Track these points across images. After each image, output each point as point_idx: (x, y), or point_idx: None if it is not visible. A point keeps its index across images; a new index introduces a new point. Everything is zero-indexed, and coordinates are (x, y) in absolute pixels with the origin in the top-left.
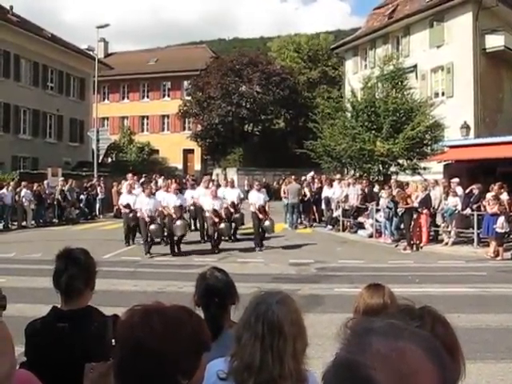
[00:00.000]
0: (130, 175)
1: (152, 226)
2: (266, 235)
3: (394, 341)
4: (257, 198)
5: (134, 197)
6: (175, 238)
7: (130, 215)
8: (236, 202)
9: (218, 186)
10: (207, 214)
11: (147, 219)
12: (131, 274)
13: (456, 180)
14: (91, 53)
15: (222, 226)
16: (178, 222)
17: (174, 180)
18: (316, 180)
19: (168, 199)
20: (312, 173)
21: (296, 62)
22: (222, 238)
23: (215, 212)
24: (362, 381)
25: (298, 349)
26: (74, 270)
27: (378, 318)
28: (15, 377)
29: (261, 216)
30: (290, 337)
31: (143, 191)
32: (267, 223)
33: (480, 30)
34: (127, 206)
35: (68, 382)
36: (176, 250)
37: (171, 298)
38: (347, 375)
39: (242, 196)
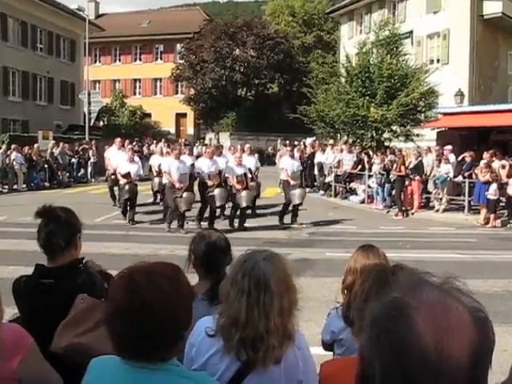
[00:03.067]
0: (117, 139)
1: (185, 194)
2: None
3: (445, 295)
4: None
5: (135, 165)
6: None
7: (126, 185)
8: (253, 170)
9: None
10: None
11: (178, 185)
12: (123, 237)
13: (449, 147)
14: (81, 13)
15: (244, 193)
16: (216, 191)
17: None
18: (309, 145)
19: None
20: (313, 138)
21: (291, 26)
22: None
23: (239, 178)
24: (401, 318)
25: (285, 305)
26: (54, 227)
27: (434, 274)
28: (4, 328)
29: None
30: (276, 293)
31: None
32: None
33: None
34: (127, 175)
35: None
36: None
37: (164, 260)
38: (390, 310)
39: (258, 164)
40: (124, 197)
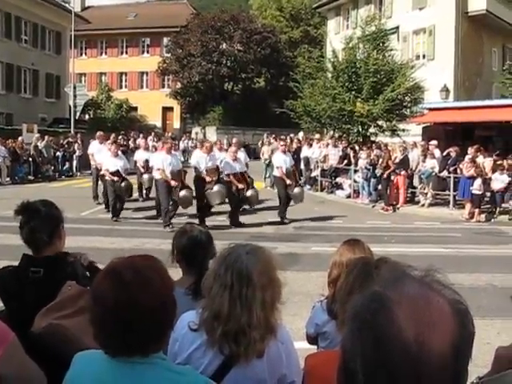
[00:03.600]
0: (99, 134)
1: (183, 192)
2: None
3: (426, 288)
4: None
5: (121, 160)
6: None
7: (121, 183)
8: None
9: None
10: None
11: (173, 183)
12: (108, 232)
13: (434, 142)
14: (67, 5)
15: (250, 192)
16: (216, 188)
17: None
18: (295, 140)
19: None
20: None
21: (278, 21)
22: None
23: (237, 176)
24: (381, 311)
25: (267, 299)
26: (35, 223)
27: (415, 267)
28: None
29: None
30: (258, 286)
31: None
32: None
33: None
34: (116, 173)
35: None
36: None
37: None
38: (372, 303)
39: (248, 159)
40: (122, 194)
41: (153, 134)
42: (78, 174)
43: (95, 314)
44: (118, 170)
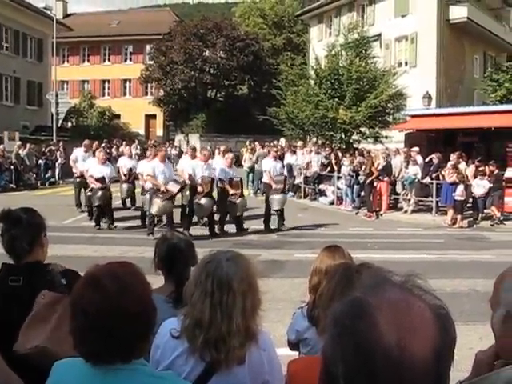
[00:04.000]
0: (85, 142)
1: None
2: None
3: (407, 294)
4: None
5: (108, 168)
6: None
7: (99, 193)
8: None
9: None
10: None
11: (163, 188)
12: (91, 240)
13: (416, 149)
14: (49, 12)
15: (239, 200)
16: (203, 201)
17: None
18: (278, 147)
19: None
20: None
21: (261, 28)
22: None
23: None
24: (362, 317)
25: (248, 306)
26: (16, 231)
27: (396, 272)
28: None
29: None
30: (239, 293)
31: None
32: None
33: (444, 1)
34: (101, 179)
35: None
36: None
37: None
38: (352, 309)
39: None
40: (95, 203)
41: (136, 141)
42: (61, 182)
43: (75, 322)
44: (103, 178)
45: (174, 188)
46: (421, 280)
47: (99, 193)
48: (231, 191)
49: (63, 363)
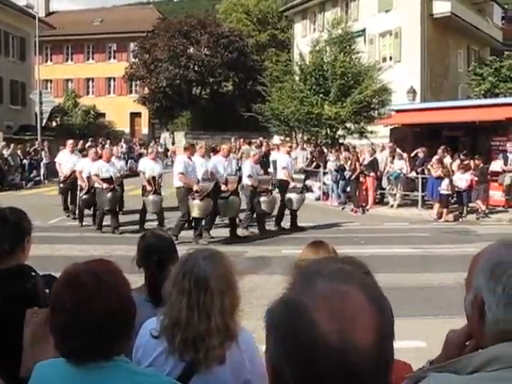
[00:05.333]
0: (69, 142)
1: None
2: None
3: (338, 284)
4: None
5: (113, 167)
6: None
7: (108, 195)
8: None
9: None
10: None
11: (196, 187)
12: (77, 239)
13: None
14: (31, 11)
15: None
16: (232, 199)
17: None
18: (264, 143)
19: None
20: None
21: (245, 25)
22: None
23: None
24: (300, 319)
25: (227, 305)
26: (1, 230)
27: (328, 262)
28: None
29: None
30: (217, 292)
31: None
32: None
33: None
34: (109, 180)
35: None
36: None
37: (118, 261)
38: (288, 313)
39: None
40: (105, 207)
41: (123, 140)
42: (46, 181)
43: (55, 321)
44: (110, 177)
45: (207, 185)
46: (353, 265)
47: (108, 195)
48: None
49: (44, 364)
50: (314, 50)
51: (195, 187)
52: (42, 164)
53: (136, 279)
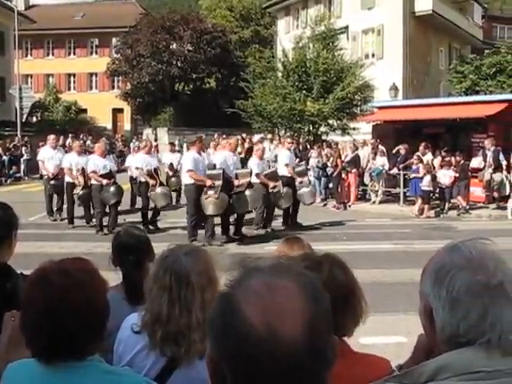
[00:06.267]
0: (51, 137)
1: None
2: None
3: (270, 278)
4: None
5: (111, 161)
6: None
7: (112, 188)
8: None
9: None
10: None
11: (210, 182)
12: (58, 236)
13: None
14: (9, 3)
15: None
16: (248, 192)
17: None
18: (247, 140)
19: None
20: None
21: (228, 21)
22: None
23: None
24: (231, 312)
25: (208, 300)
26: None
27: (271, 258)
28: None
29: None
30: (197, 288)
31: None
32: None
33: None
34: (108, 175)
35: None
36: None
37: (99, 259)
38: (221, 307)
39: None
40: (110, 201)
41: (104, 138)
42: (26, 178)
43: (26, 319)
44: (110, 172)
45: (217, 174)
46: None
47: (112, 188)
48: (271, 184)
49: (15, 364)
50: (297, 47)
51: (208, 182)
52: (22, 160)
53: (118, 276)
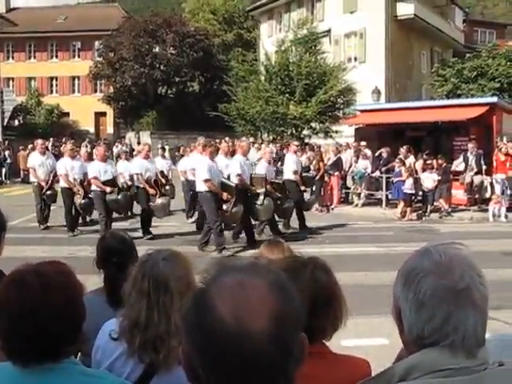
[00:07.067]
0: (39, 142)
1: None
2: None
3: (244, 276)
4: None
5: (110, 166)
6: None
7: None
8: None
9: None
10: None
11: (152, 191)
12: (39, 241)
13: (362, 143)
14: None
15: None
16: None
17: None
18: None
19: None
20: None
21: (211, 24)
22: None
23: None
24: (203, 307)
25: None
26: None
27: (247, 259)
28: None
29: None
30: (176, 293)
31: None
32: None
33: None
34: (111, 182)
35: None
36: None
37: (83, 262)
38: (195, 302)
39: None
40: (118, 212)
41: (87, 140)
42: (8, 181)
43: (2, 322)
44: (113, 179)
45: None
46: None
47: (119, 197)
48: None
49: None
50: (280, 50)
51: (224, 196)
52: (4, 164)
53: (101, 280)
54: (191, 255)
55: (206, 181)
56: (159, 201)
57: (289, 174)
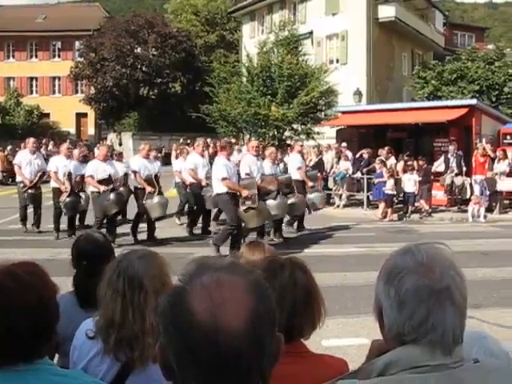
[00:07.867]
0: (30, 140)
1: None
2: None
3: (220, 274)
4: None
5: (112, 166)
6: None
7: (111, 196)
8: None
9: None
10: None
11: (149, 189)
12: (20, 243)
13: (344, 144)
14: None
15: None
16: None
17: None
18: (211, 145)
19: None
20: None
21: (193, 25)
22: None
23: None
24: (180, 303)
25: None
26: None
27: (226, 258)
28: None
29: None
30: (151, 292)
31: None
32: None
33: (373, 0)
34: (107, 180)
35: None
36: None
37: (62, 265)
38: (171, 298)
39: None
40: (111, 211)
41: (68, 141)
42: None
43: None
44: (109, 178)
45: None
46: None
47: (111, 195)
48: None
49: None
50: (262, 52)
51: (245, 193)
52: None
53: None
54: (173, 256)
55: (224, 179)
56: (156, 199)
57: (295, 173)
